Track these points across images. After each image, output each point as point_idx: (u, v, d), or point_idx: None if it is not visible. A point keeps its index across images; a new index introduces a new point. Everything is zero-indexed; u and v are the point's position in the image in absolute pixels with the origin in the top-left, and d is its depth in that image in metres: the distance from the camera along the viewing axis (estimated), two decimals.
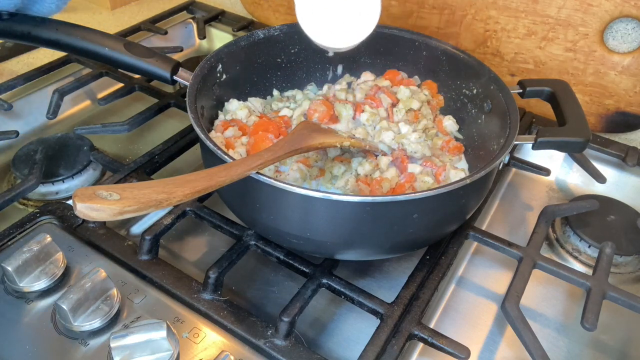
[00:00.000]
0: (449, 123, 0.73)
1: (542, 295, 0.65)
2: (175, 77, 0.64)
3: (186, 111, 0.57)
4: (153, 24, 1.06)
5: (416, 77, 0.77)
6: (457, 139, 0.72)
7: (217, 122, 0.69)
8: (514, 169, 0.83)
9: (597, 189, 0.80)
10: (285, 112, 0.72)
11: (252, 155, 0.52)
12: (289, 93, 0.78)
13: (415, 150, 0.66)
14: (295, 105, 0.74)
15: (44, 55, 0.94)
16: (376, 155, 0.66)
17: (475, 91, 0.70)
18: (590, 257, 0.69)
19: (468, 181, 0.50)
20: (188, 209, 0.64)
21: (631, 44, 0.78)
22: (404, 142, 0.67)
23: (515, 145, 0.73)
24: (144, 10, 1.15)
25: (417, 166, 0.65)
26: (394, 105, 0.72)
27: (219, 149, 0.51)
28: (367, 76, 0.78)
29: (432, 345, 0.53)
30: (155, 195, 0.42)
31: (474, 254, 0.70)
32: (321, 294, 0.58)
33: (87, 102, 0.93)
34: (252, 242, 0.60)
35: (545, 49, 0.83)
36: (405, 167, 0.64)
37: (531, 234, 0.65)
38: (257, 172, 0.49)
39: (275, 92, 0.78)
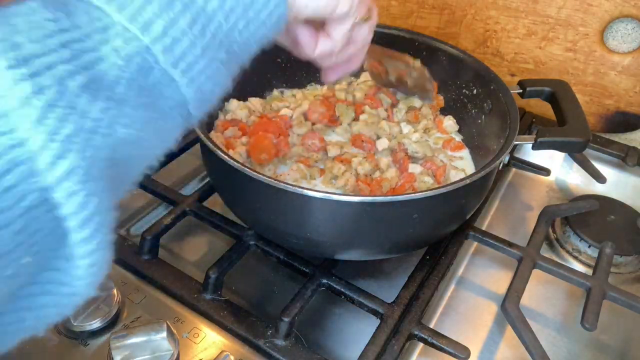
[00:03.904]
0: (449, 123, 0.73)
1: (542, 295, 0.65)
2: None
3: None
4: None
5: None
6: (457, 139, 0.72)
7: (217, 122, 0.69)
8: (514, 169, 0.83)
9: (597, 189, 0.80)
10: (285, 111, 0.72)
11: None
12: (288, 92, 0.78)
13: (417, 151, 0.66)
14: (295, 105, 0.74)
15: None
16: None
17: (475, 91, 0.70)
18: (590, 257, 0.69)
19: (468, 181, 0.50)
20: (188, 209, 0.64)
21: (631, 44, 0.78)
22: (405, 142, 0.67)
23: (515, 145, 0.73)
24: None
25: (417, 166, 0.65)
26: (393, 105, 0.72)
27: (219, 149, 0.51)
28: (366, 76, 0.78)
29: (432, 345, 0.53)
30: None
31: (474, 254, 0.70)
32: (321, 294, 0.58)
33: None
34: (252, 242, 0.60)
35: (545, 49, 0.83)
36: (405, 167, 0.64)
37: (531, 234, 0.65)
38: (257, 173, 0.49)
39: (276, 92, 0.78)
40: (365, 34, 0.50)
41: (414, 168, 0.64)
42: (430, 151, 0.67)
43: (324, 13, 0.43)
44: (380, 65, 0.71)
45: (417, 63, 0.66)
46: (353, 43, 0.49)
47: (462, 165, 0.68)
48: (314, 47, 0.47)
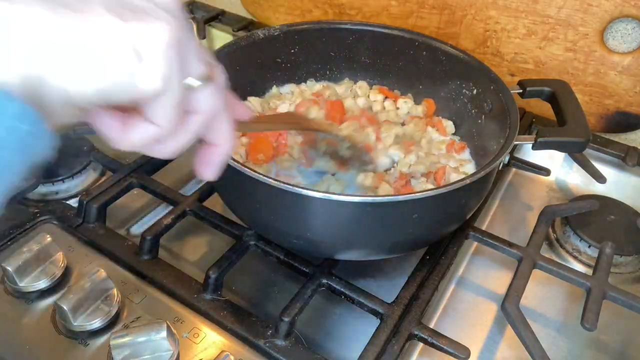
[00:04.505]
0: (449, 124, 0.73)
1: (542, 295, 0.65)
2: None
3: None
4: None
5: (410, 94, 0.77)
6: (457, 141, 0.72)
7: None
8: (514, 169, 0.83)
9: (597, 189, 0.80)
10: (282, 107, 0.72)
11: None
12: (287, 89, 0.78)
13: (416, 170, 0.65)
14: (291, 101, 0.74)
15: None
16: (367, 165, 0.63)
17: (475, 91, 0.70)
18: (590, 257, 0.69)
19: (468, 181, 0.50)
20: (188, 209, 0.64)
21: (631, 44, 0.78)
22: (403, 170, 0.65)
23: (515, 145, 0.73)
24: None
25: (418, 181, 0.64)
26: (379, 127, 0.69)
27: None
28: (361, 84, 0.78)
29: (432, 345, 0.53)
30: None
31: (474, 254, 0.70)
32: (321, 294, 0.58)
33: None
34: (252, 242, 0.60)
35: (545, 49, 0.83)
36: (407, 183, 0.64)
37: (531, 234, 0.65)
38: (257, 172, 0.49)
39: (274, 89, 0.77)
40: (209, 99, 0.35)
41: (415, 183, 0.64)
42: (434, 161, 0.66)
43: (116, 96, 0.30)
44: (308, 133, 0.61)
45: (343, 132, 0.59)
46: (195, 113, 0.35)
47: (470, 170, 0.67)
48: (123, 137, 0.34)
